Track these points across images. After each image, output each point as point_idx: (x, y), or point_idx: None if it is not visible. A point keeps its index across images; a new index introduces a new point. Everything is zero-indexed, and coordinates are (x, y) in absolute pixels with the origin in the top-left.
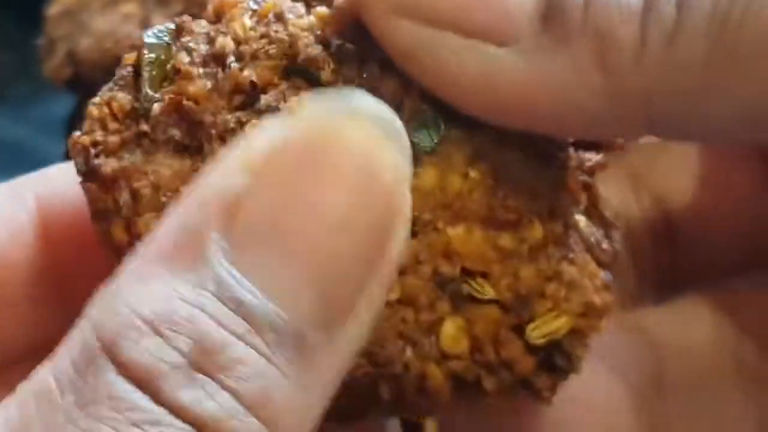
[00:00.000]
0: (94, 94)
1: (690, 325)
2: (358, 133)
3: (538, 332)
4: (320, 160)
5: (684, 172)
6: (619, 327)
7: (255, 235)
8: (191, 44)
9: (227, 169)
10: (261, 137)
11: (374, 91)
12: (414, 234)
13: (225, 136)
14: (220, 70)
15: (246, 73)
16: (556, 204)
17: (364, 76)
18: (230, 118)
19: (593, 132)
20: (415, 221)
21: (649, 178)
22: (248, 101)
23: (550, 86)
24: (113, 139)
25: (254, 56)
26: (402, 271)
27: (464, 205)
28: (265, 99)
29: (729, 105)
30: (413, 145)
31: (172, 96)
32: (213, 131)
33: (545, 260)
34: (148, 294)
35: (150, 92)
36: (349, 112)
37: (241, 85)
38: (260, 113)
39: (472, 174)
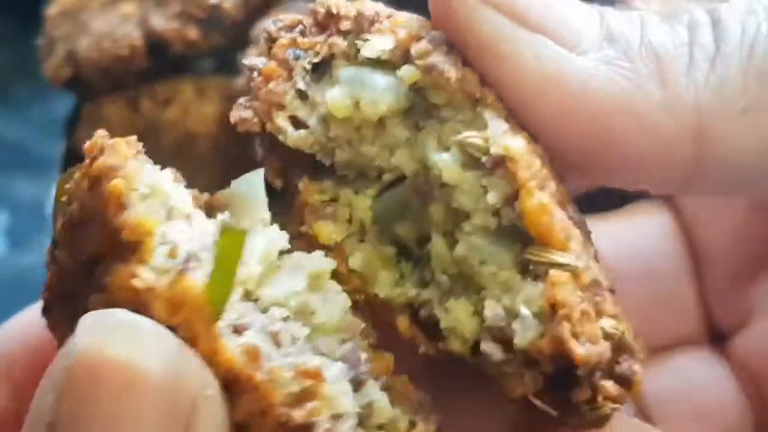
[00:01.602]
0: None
1: None
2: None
3: None
4: (93, 384)
5: None
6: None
7: None
8: None
9: (43, 389)
10: (59, 364)
11: None
12: None
13: None
14: None
15: None
16: None
17: None
18: None
19: (646, 142)
20: None
21: None
22: None
23: (613, 96)
24: None
25: None
26: None
27: None
28: None
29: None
30: None
31: None
32: None
33: None
34: None
35: None
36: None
37: None
38: None
39: None
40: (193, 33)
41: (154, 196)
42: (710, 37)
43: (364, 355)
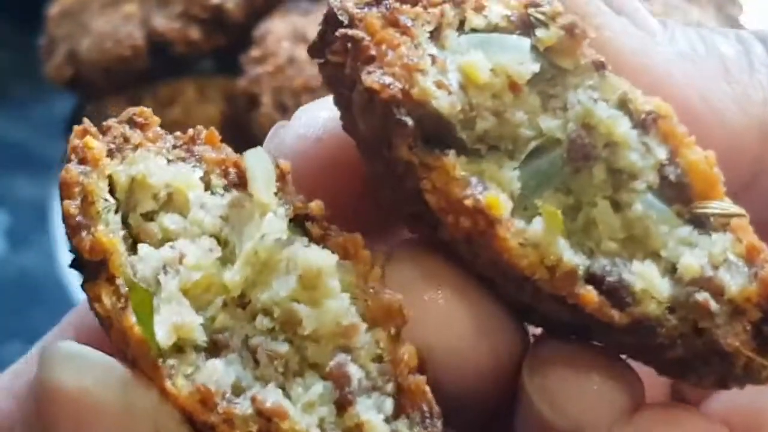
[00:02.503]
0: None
1: None
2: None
3: None
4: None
5: None
6: None
7: None
8: None
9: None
10: (28, 398)
11: None
12: None
13: None
14: None
15: None
16: None
17: None
18: None
19: (719, 131)
20: None
21: None
22: None
23: (692, 85)
24: None
25: None
26: None
27: None
28: None
29: None
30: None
31: None
32: None
33: None
34: None
35: None
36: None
37: None
38: None
39: None
40: (195, 33)
41: (141, 189)
42: (762, 48)
43: (367, 364)
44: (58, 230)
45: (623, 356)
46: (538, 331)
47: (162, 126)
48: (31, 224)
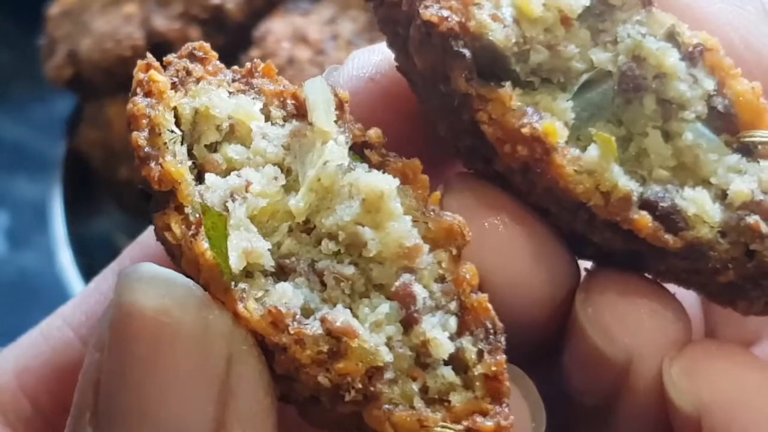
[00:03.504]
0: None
1: None
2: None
3: None
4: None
5: None
6: None
7: (111, 414)
8: None
9: (91, 348)
10: (103, 321)
11: None
12: None
13: None
14: None
15: None
16: None
17: None
18: None
19: (760, 72)
20: None
21: None
22: None
23: (737, 29)
24: None
25: None
26: None
27: None
28: None
29: None
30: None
31: None
32: None
33: None
34: None
35: None
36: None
37: None
38: None
39: None
40: (195, 33)
41: (205, 121)
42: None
43: (430, 283)
44: (58, 230)
45: (675, 284)
46: (590, 266)
47: None
48: (31, 224)
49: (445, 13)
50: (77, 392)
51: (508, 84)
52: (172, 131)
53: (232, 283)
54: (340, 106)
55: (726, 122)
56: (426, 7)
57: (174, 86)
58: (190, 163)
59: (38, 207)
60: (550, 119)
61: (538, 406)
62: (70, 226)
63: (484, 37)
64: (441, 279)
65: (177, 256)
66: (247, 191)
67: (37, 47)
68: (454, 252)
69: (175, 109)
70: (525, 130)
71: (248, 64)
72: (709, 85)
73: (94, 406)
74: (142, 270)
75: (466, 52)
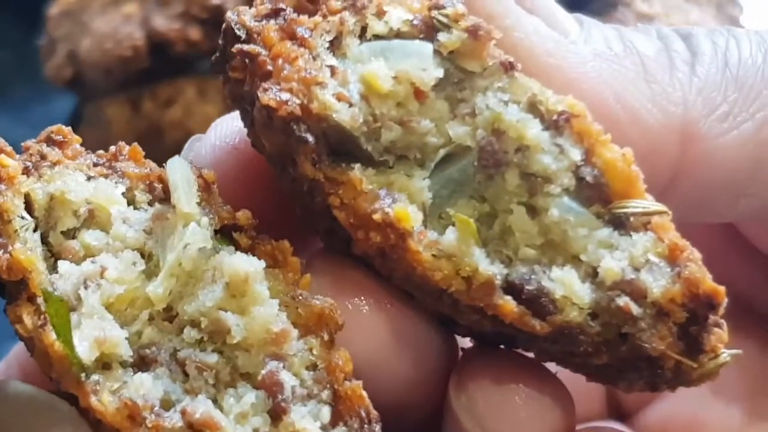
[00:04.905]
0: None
1: None
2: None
3: None
4: None
5: None
6: None
7: None
8: None
9: None
10: None
11: None
12: None
13: None
14: None
15: None
16: None
17: None
18: None
19: (636, 132)
20: None
21: None
22: None
23: (607, 85)
24: None
25: None
26: None
27: None
28: None
29: (740, 119)
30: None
31: None
32: None
33: None
34: None
35: None
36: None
37: None
38: None
39: None
40: (195, 33)
41: (60, 207)
42: (683, 45)
43: (301, 372)
44: None
45: (553, 366)
46: (468, 342)
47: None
48: None
49: (285, 96)
50: None
51: (357, 166)
52: (23, 218)
53: (83, 375)
54: (206, 187)
55: (597, 193)
56: (265, 90)
57: (27, 171)
58: (44, 250)
59: None
60: (403, 203)
61: None
62: None
63: (330, 118)
64: (313, 366)
65: (31, 350)
66: (102, 277)
67: (37, 47)
68: (326, 337)
69: (27, 194)
70: (376, 216)
71: (112, 148)
72: (576, 155)
73: None
74: (8, 388)
75: (309, 137)
